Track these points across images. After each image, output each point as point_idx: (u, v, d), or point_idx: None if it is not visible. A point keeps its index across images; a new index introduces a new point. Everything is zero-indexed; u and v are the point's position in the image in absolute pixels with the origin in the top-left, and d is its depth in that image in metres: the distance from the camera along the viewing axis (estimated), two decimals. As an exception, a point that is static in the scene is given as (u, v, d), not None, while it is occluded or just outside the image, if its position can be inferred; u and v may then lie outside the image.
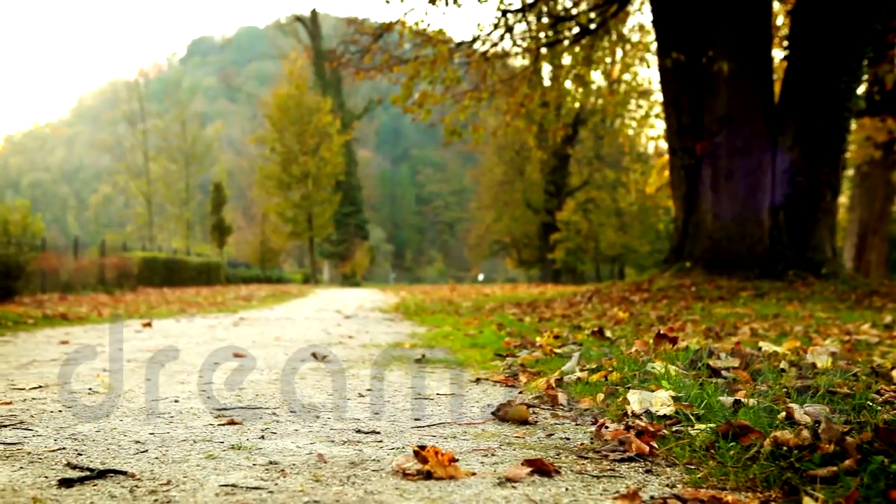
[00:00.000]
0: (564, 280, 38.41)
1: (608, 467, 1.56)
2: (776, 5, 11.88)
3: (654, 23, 11.30)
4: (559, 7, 12.87)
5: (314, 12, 43.24)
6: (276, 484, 1.42)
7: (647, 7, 13.91)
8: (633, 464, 1.59)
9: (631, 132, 21.98)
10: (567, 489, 1.40)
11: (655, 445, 1.66)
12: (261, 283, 31.34)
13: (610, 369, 2.67)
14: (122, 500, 1.31)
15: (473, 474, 1.50)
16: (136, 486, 1.40)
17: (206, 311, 10.93)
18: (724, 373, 2.56)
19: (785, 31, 13.35)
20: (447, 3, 9.99)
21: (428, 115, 10.99)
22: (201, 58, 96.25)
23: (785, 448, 1.47)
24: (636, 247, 41.42)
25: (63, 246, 22.25)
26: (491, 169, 44.36)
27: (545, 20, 11.75)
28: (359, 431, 1.93)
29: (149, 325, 6.13)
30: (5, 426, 1.97)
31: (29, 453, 1.67)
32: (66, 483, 1.40)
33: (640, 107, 17.07)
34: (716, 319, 6.21)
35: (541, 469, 1.49)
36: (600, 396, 2.21)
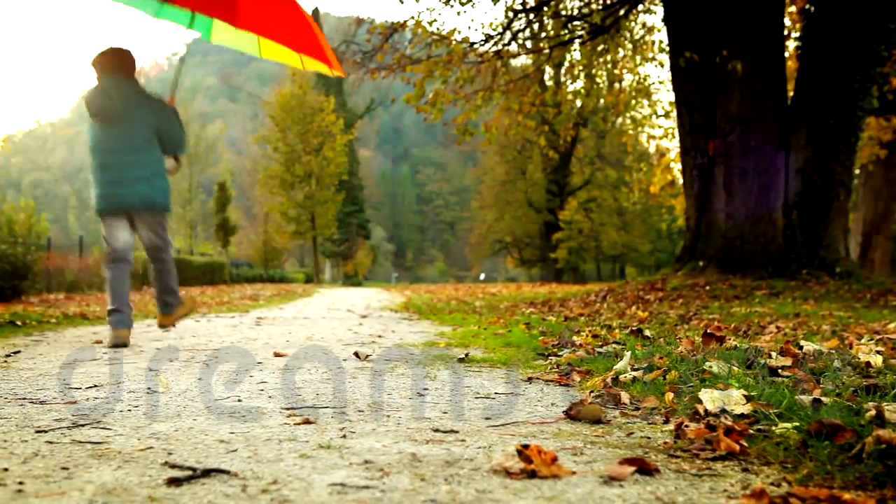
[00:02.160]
0: (566, 279, 38.48)
1: (704, 466, 1.57)
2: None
3: (666, 22, 11.31)
4: (567, 7, 12.88)
5: (316, 11, 43.17)
6: (383, 482, 1.42)
7: (655, 7, 13.92)
8: (726, 462, 1.60)
9: (632, 132, 21.98)
10: (676, 487, 1.40)
11: (745, 444, 1.67)
12: (264, 283, 31.34)
13: (665, 368, 2.67)
14: (237, 499, 1.31)
15: (574, 473, 1.50)
16: (246, 484, 1.40)
17: (216, 310, 10.93)
18: (780, 372, 2.57)
19: (796, 30, 13.36)
20: (462, 3, 10.00)
21: (440, 114, 11.00)
22: (202, 57, 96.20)
23: (885, 446, 1.47)
24: (637, 246, 41.52)
25: (67, 245, 22.26)
26: (493, 168, 44.42)
27: (554, 20, 11.76)
28: (436, 430, 1.93)
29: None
30: (83, 425, 1.98)
31: (119, 452, 1.67)
32: (175, 482, 1.41)
33: (648, 106, 17.08)
34: (738, 318, 6.21)
35: (643, 468, 1.49)
36: (670, 396, 2.22)
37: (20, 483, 1.40)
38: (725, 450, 1.65)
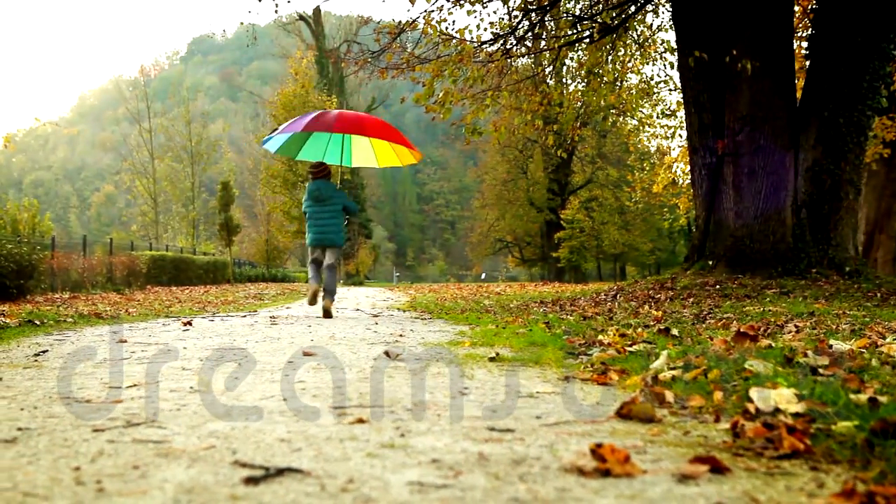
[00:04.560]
0: (567, 279, 38.50)
1: (772, 465, 1.57)
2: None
3: (675, 21, 11.32)
4: (575, 6, 12.89)
5: (317, 10, 43.16)
6: (458, 481, 1.43)
7: (662, 8, 13.93)
8: (792, 461, 1.60)
9: (637, 131, 21.98)
10: (752, 486, 1.40)
11: (809, 443, 1.67)
12: (267, 282, 31.34)
13: (704, 367, 2.68)
14: (319, 498, 1.32)
15: (645, 472, 1.50)
16: (323, 483, 1.40)
17: (223, 309, 10.94)
18: (821, 371, 2.58)
19: (801, 29, 13.37)
20: (472, 3, 10.00)
21: (448, 113, 10.99)
22: (202, 56, 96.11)
23: (955, 445, 1.48)
24: (638, 245, 41.54)
25: (71, 245, 22.28)
26: (494, 167, 44.46)
27: (563, 19, 11.76)
28: (492, 429, 1.93)
29: (189, 323, 6.13)
30: (138, 424, 1.98)
31: (184, 451, 1.67)
32: (252, 481, 1.41)
33: (651, 106, 17.10)
34: (753, 318, 6.22)
35: (715, 466, 1.50)
36: (718, 395, 2.22)
37: (98, 482, 1.41)
38: (789, 448, 1.66)
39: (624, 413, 2.10)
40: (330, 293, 7.69)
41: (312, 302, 7.70)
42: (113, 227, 57.23)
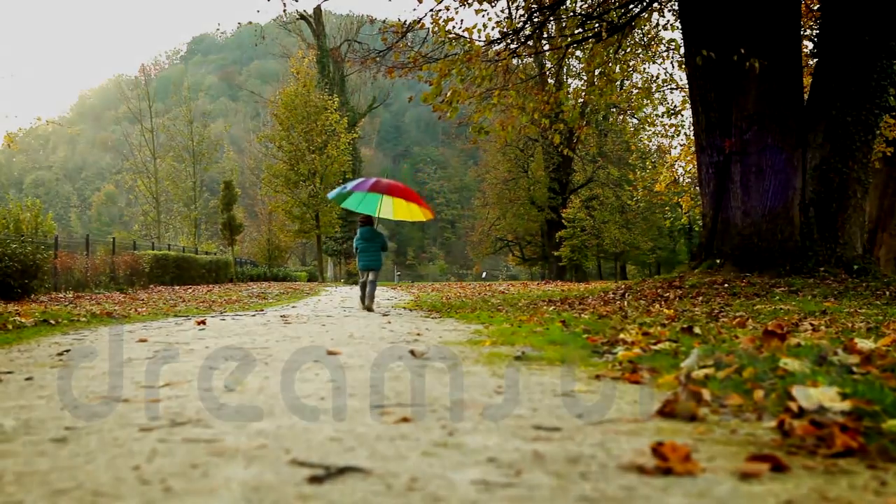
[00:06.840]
0: (568, 277, 38.50)
1: (829, 463, 1.57)
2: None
3: (682, 20, 11.32)
4: (580, 5, 12.86)
5: (318, 9, 43.08)
6: (521, 479, 1.43)
7: (666, 6, 13.92)
8: (848, 459, 1.60)
9: (642, 129, 21.98)
10: (815, 484, 1.41)
11: (863, 441, 1.67)
12: (269, 281, 31.32)
13: (736, 366, 2.68)
14: (387, 496, 1.32)
15: (705, 470, 1.50)
16: (388, 482, 1.40)
17: (230, 308, 10.94)
18: (854, 369, 2.58)
19: (806, 28, 13.37)
20: (480, 1, 9.99)
21: (455, 112, 10.98)
22: (202, 56, 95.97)
23: None
24: (639, 244, 41.52)
25: (73, 244, 22.27)
26: (495, 166, 44.42)
27: (570, 19, 11.74)
28: (539, 428, 1.93)
29: (203, 322, 6.13)
30: (183, 423, 1.98)
31: (238, 450, 1.67)
32: (316, 480, 1.41)
33: (658, 103, 17.09)
34: (766, 316, 6.22)
35: (777, 464, 1.50)
36: (759, 393, 2.22)
37: (162, 480, 1.41)
38: (842, 447, 1.66)
39: (667, 411, 2.10)
40: (371, 297, 10.04)
41: (369, 310, 9.81)
42: (114, 227, 57.26)
